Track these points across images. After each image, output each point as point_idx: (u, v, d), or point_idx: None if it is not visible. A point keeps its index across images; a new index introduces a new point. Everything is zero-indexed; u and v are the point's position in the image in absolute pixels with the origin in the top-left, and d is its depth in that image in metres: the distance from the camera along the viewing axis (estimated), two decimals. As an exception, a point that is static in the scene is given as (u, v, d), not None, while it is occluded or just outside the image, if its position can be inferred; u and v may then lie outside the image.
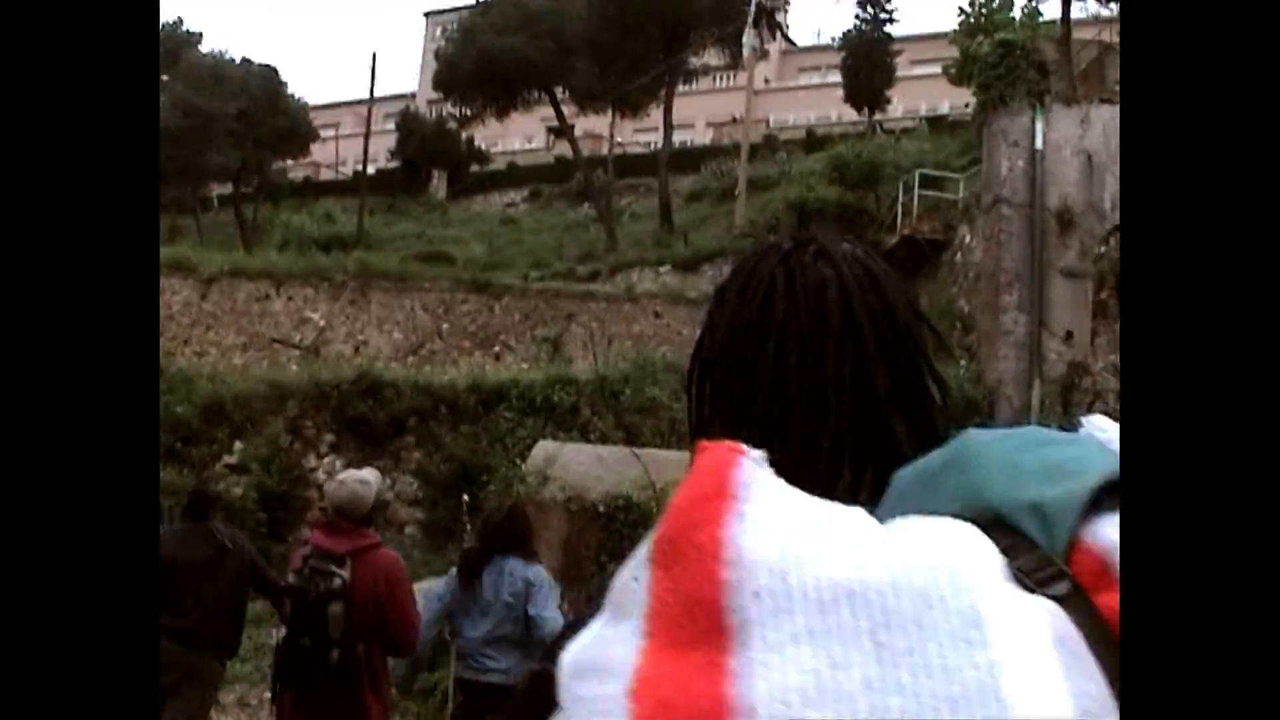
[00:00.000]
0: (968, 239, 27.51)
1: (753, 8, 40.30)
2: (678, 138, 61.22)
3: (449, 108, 55.64)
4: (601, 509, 13.50)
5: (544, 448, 15.37)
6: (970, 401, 17.45)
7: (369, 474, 6.63)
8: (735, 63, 48.34)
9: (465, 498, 15.09)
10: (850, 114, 64.17)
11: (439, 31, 74.34)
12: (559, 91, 49.40)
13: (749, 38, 39.41)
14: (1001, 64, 37.90)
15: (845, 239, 1.36)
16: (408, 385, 19.61)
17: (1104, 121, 17.80)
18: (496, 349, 31.11)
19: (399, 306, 31.35)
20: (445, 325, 31.32)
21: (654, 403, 18.24)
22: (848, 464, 1.19)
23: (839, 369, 1.21)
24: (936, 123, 54.01)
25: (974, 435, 1.01)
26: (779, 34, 40.00)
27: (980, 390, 17.58)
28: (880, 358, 1.23)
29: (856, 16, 59.02)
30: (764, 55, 43.39)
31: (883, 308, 1.27)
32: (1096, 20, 46.06)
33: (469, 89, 47.68)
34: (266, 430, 19.04)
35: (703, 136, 66.23)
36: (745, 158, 39.89)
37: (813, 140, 60.38)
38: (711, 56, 50.45)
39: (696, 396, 1.32)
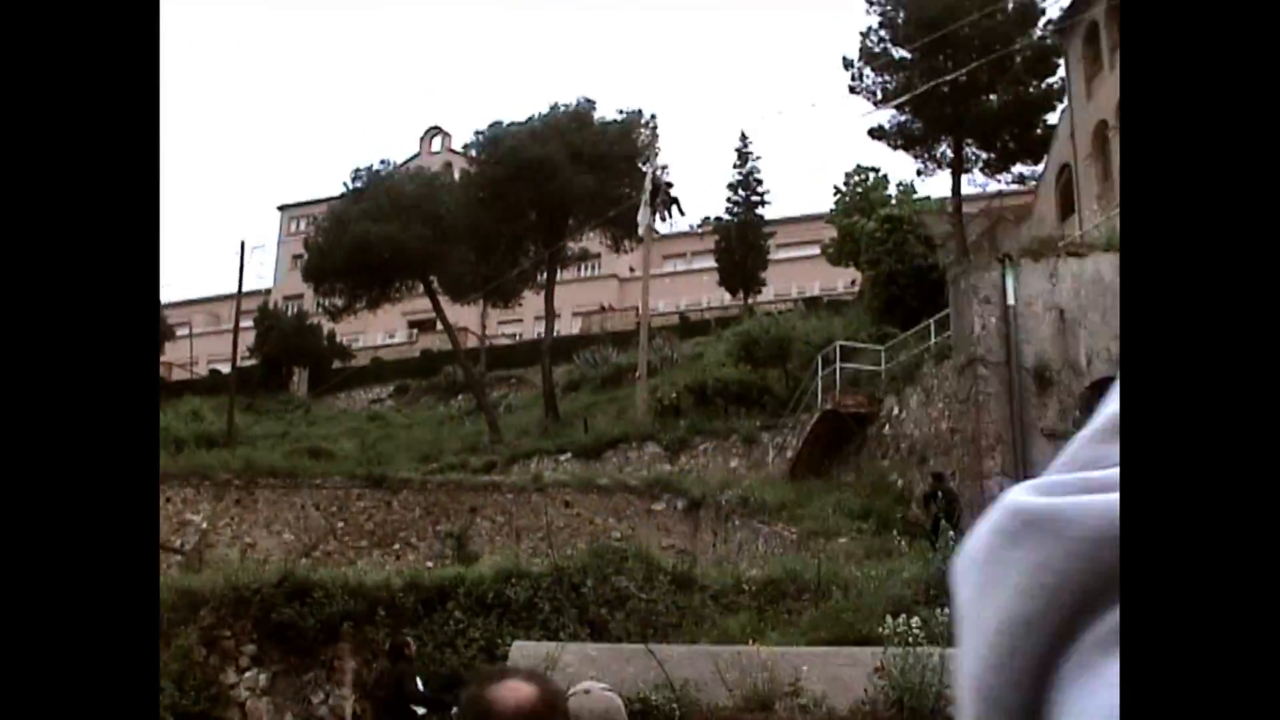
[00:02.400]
0: (896, 410, 27.25)
1: (649, 182, 40.42)
2: (539, 328, 61.05)
3: (317, 300, 54.45)
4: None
5: (524, 649, 13.95)
6: (960, 574, 16.61)
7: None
8: (618, 245, 48.31)
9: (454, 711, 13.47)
10: (721, 298, 65.05)
11: (295, 225, 73.70)
12: (433, 280, 48.67)
13: (644, 215, 39.37)
14: (889, 239, 38.80)
15: None
16: (337, 586, 17.93)
17: (1072, 275, 17.67)
18: (397, 546, 29.47)
19: (288, 505, 29.58)
20: (340, 524, 29.60)
21: (621, 594, 17.01)
22: None
23: None
24: (812, 303, 54.84)
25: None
26: (670, 212, 40.10)
27: (969, 562, 16.78)
28: None
29: (729, 200, 60.16)
30: (651, 237, 43.38)
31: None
32: (985, 194, 47.85)
33: (340, 279, 46.60)
34: (176, 643, 17.08)
35: (570, 326, 66.14)
36: (645, 342, 39.37)
37: (687, 325, 60.79)
38: (591, 241, 50.54)
39: None
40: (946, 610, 14.89)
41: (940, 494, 20.56)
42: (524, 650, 13.88)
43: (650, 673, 12.86)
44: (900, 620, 12.89)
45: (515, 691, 2.25)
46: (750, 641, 15.07)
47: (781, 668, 13.05)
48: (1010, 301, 17.52)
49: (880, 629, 13.61)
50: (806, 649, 14.54)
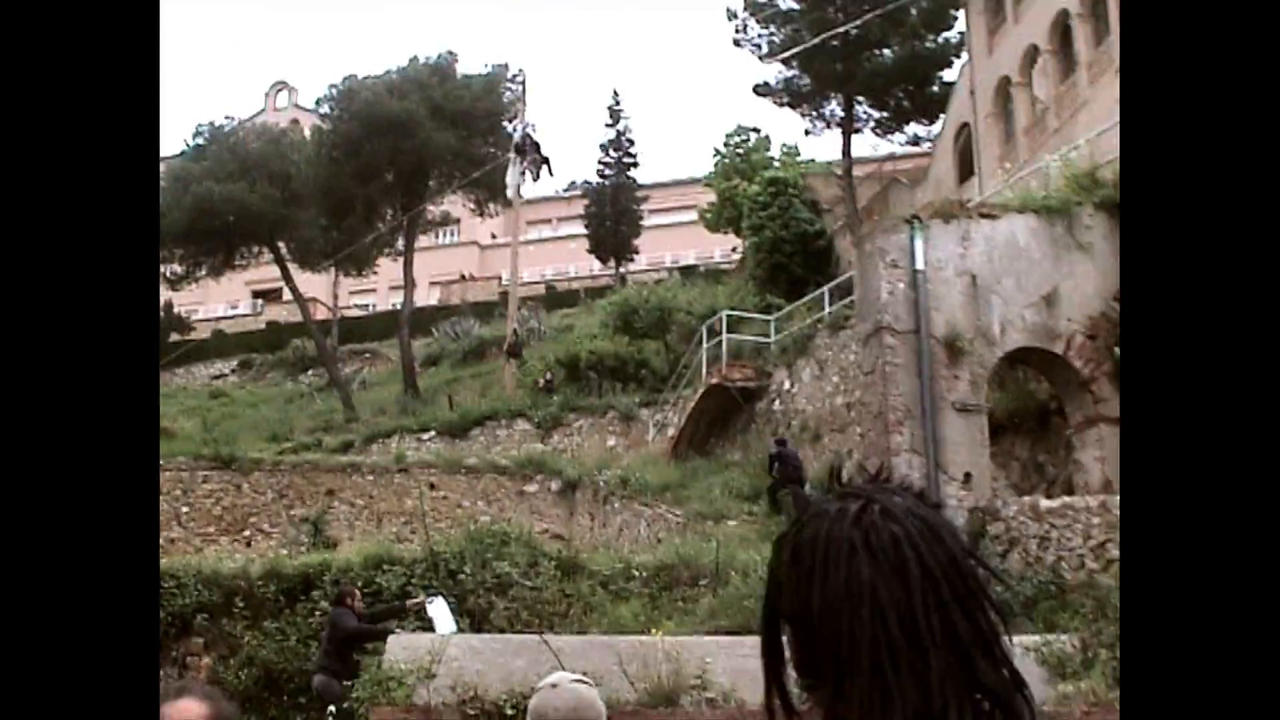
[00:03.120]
0: (786, 384, 27.12)
1: (517, 137, 39.63)
2: (395, 298, 60.02)
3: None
4: (510, 711, 11.63)
5: (401, 643, 13.30)
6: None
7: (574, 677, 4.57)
8: (481, 209, 47.46)
9: (331, 711, 12.84)
10: (590, 266, 64.60)
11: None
12: (280, 246, 47.28)
13: (513, 175, 38.60)
14: (773, 204, 38.71)
15: (893, 489, 1.54)
16: (190, 575, 17.07)
17: (984, 237, 17.54)
18: (248, 533, 28.48)
19: (123, 491, 28.26)
20: (184, 509, 28.45)
21: (503, 580, 16.47)
22: (952, 701, 1.41)
23: (928, 618, 1.42)
24: (688, 272, 54.74)
25: None
26: (540, 172, 39.33)
27: (876, 543, 16.63)
28: (956, 603, 1.45)
29: (600, 162, 59.65)
30: (519, 200, 42.62)
31: (947, 556, 1.47)
32: (876, 157, 48.13)
33: (180, 244, 44.91)
34: (2, 646, 16.09)
35: (428, 296, 65.00)
36: (514, 311, 38.67)
37: (553, 296, 60.29)
38: (452, 204, 49.62)
39: (772, 651, 1.54)
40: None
41: (778, 461, 21.04)
42: (402, 643, 13.23)
43: (544, 665, 12.34)
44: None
45: (185, 713, 2.29)
46: (648, 631, 14.69)
47: (684, 659, 12.66)
48: (919, 266, 17.26)
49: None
50: (709, 638, 14.18)
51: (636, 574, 17.29)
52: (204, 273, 47.98)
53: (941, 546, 1.48)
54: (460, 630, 14.52)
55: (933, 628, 1.43)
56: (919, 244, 17.41)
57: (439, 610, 14.37)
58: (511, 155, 39.50)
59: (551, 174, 40.90)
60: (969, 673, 1.44)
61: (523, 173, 39.44)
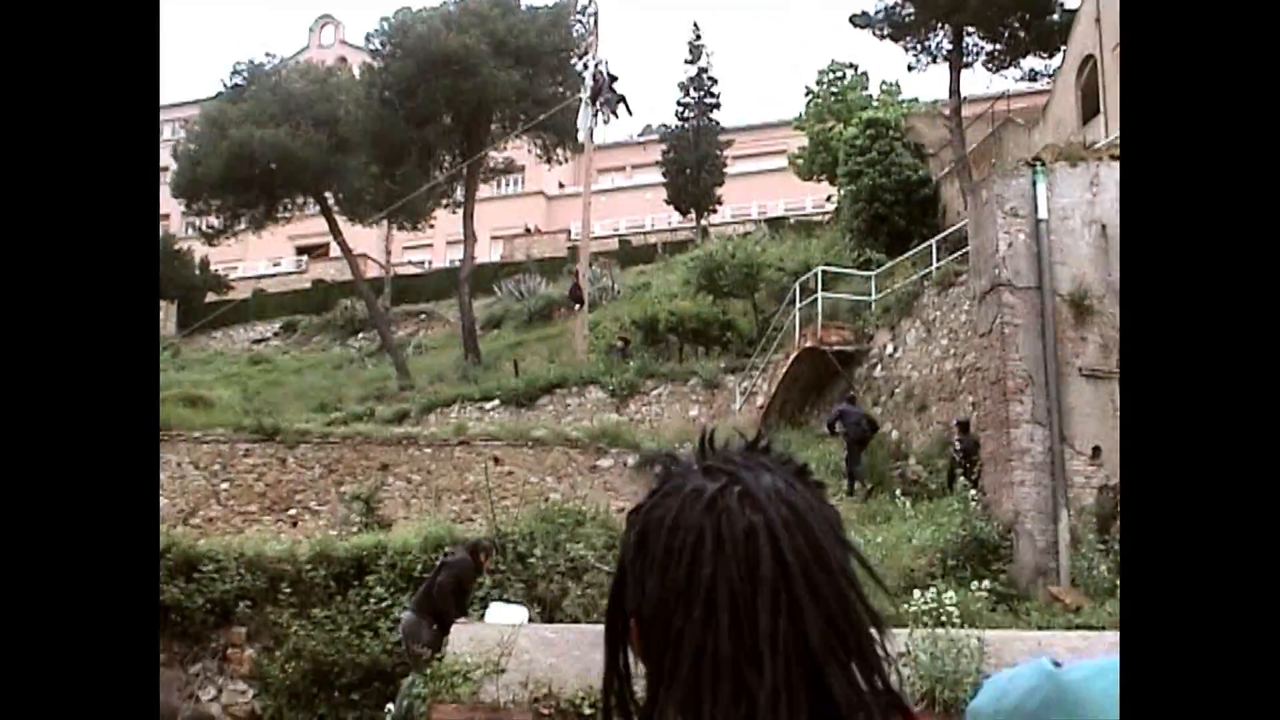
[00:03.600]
0: (889, 348, 26.83)
1: (589, 78, 39.46)
2: (453, 254, 60.21)
3: (187, 220, 53.19)
4: (588, 710, 11.63)
5: (467, 632, 13.32)
6: (983, 542, 16.23)
7: None
8: (549, 155, 47.38)
9: (389, 710, 12.93)
10: (668, 218, 64.45)
11: (163, 132, 71.81)
12: (327, 197, 47.54)
13: (585, 117, 38.45)
14: (872, 147, 38.29)
15: (767, 465, 1.50)
16: (231, 559, 17.24)
17: (1116, 182, 17.12)
18: (293, 511, 28.67)
19: (162, 463, 28.61)
20: (224, 485, 28.72)
21: (577, 564, 16.44)
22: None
23: (773, 623, 1.36)
24: (776, 224, 54.45)
25: (1066, 674, 1.45)
26: (616, 112, 39.09)
27: (994, 527, 16.34)
28: (814, 605, 1.38)
29: (679, 103, 59.34)
30: (580, 148, 42.44)
31: (813, 551, 1.41)
32: (988, 95, 47.37)
33: (217, 194, 45.35)
34: (32, 632, 16.33)
35: (489, 252, 65.17)
36: (585, 268, 38.61)
37: (627, 251, 60.22)
38: (517, 150, 49.62)
39: (613, 645, 1.52)
40: (981, 583, 14.45)
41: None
42: (467, 634, 13.22)
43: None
44: (928, 595, 12.39)
45: None
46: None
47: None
48: (1042, 215, 16.91)
49: (900, 606, 13.13)
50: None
51: (724, 556, 17.21)
52: (243, 226, 48.34)
53: (808, 538, 1.42)
54: (531, 619, 14.52)
55: (776, 634, 1.36)
56: (1041, 190, 17.07)
57: (499, 616, 14.31)
58: (583, 95, 39.30)
59: (630, 113, 40.68)
60: (819, 689, 1.37)
61: (595, 114, 39.29)
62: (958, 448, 20.53)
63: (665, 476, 1.53)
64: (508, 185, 66.19)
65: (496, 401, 34.67)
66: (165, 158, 51.73)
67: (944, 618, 11.96)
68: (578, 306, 38.53)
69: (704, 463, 1.53)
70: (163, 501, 28.08)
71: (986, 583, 14.51)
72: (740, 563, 1.38)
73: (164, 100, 74.00)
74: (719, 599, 1.36)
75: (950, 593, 12.51)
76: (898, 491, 21.22)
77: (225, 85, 48.43)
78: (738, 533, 1.39)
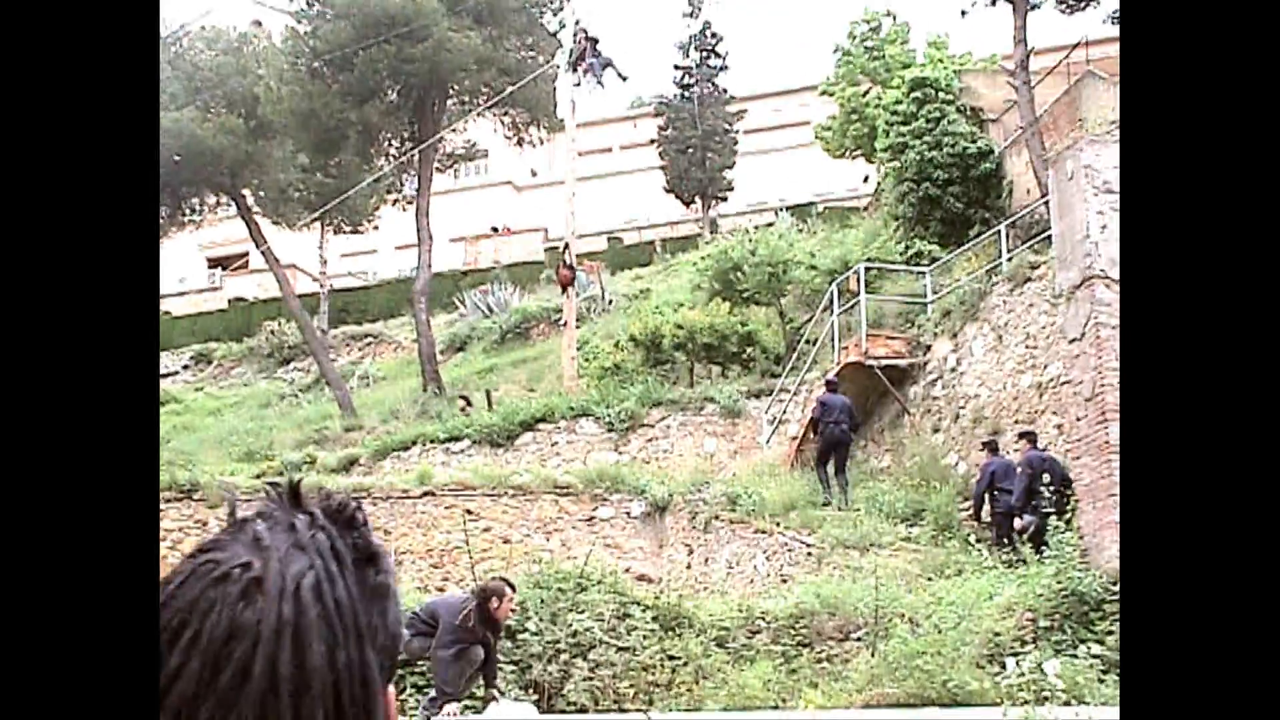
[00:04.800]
0: (950, 360, 26.85)
1: (568, 39, 39.51)
2: (403, 262, 60.22)
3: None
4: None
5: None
6: (1083, 597, 16.20)
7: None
8: (519, 136, 47.42)
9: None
10: (668, 210, 64.50)
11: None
12: (246, 195, 47.58)
13: (564, 86, 38.54)
14: (919, 113, 38.31)
15: (316, 542, 1.50)
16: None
17: (1231, 149, 17.20)
18: (221, 587, 28.65)
19: (52, 532, 28.63)
20: (132, 557, 28.67)
21: (582, 640, 16.46)
22: None
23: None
24: (801, 213, 54.47)
25: None
26: (603, 80, 38.96)
27: (1095, 579, 16.32)
28: None
29: (679, 68, 59.46)
30: (559, 125, 42.42)
31: (304, 670, 1.41)
32: (1059, 46, 47.44)
33: (110, 196, 45.33)
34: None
35: (448, 258, 65.19)
36: (569, 276, 38.54)
37: (620, 251, 60.34)
38: (479, 130, 49.64)
39: None
40: (1087, 648, 14.45)
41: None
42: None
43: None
44: (1023, 666, 12.40)
45: None
46: (785, 704, 14.59)
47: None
48: (1143, 191, 16.98)
49: (982, 680, 13.15)
50: (871, 714, 14.09)
51: (763, 626, 17.22)
52: (146, 234, 48.34)
53: (304, 648, 1.42)
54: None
55: None
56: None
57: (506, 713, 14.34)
58: (559, 60, 39.35)
59: (622, 78, 40.35)
60: None
61: (577, 84, 39.31)
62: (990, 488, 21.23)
63: (216, 537, 1.54)
64: (470, 174, 66.28)
65: (466, 442, 34.65)
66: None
67: (1045, 692, 11.96)
68: (567, 295, 38.50)
69: (238, 526, 1.53)
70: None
71: (1094, 647, 14.50)
72: (206, 667, 1.39)
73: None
74: (168, 704, 1.38)
75: (1053, 661, 12.50)
76: (970, 537, 21.23)
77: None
78: (218, 632, 1.40)
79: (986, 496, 22.11)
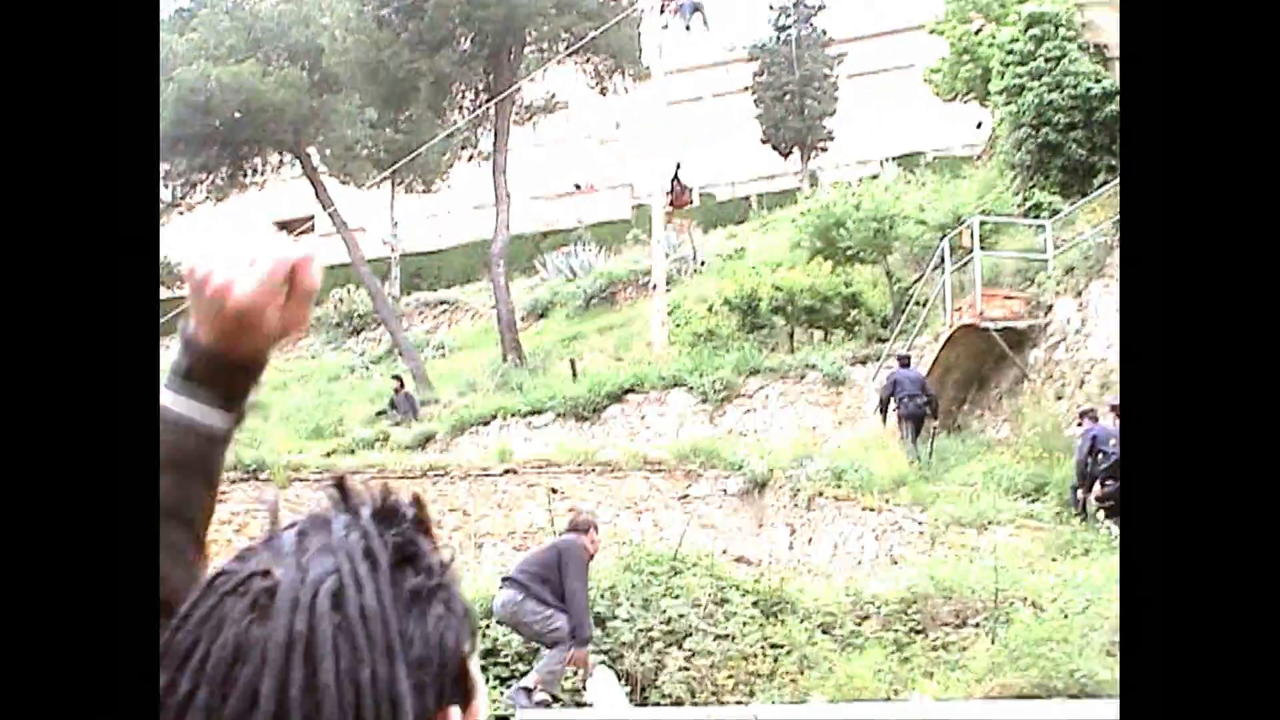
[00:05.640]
0: (1076, 321, 26.61)
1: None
2: (480, 224, 60.30)
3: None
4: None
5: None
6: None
7: None
8: (602, 84, 47.38)
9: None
10: (763, 163, 64.25)
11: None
12: (311, 154, 47.80)
13: (652, 28, 38.46)
14: (1038, 52, 37.91)
15: (347, 543, 1.46)
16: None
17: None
18: (288, 572, 28.92)
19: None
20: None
21: (677, 628, 16.42)
22: None
23: None
24: (909, 163, 54.10)
25: None
26: (693, 24, 38.91)
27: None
28: None
29: (774, 8, 59.21)
30: (645, 73, 42.36)
31: (316, 691, 1.37)
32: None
33: (165, 156, 45.65)
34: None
35: (527, 218, 65.23)
36: (660, 233, 38.50)
37: (713, 208, 60.22)
38: (559, 79, 49.58)
39: None
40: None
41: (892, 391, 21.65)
42: (533, 726, 13.27)
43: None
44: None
45: None
46: (897, 694, 14.52)
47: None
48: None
49: (1112, 669, 13.02)
50: (992, 703, 13.99)
51: (872, 611, 17.15)
52: (200, 197, 48.74)
53: (315, 669, 1.38)
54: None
55: None
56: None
57: (603, 685, 14.42)
58: (646, 2, 39.24)
59: (706, 25, 40.27)
60: None
61: (665, 27, 39.24)
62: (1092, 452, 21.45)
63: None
64: (551, 128, 66.17)
65: (550, 415, 34.75)
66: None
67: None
68: (653, 285, 38.44)
69: (278, 533, 1.51)
70: (116, 565, 28.45)
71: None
72: (214, 694, 1.36)
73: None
74: None
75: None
76: (1099, 514, 21.10)
77: (168, 10, 48.81)
78: (225, 653, 1.38)
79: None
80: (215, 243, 1.99)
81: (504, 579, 15.13)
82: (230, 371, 2.05)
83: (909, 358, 26.99)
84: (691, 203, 38.78)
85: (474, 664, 1.50)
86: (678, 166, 38.90)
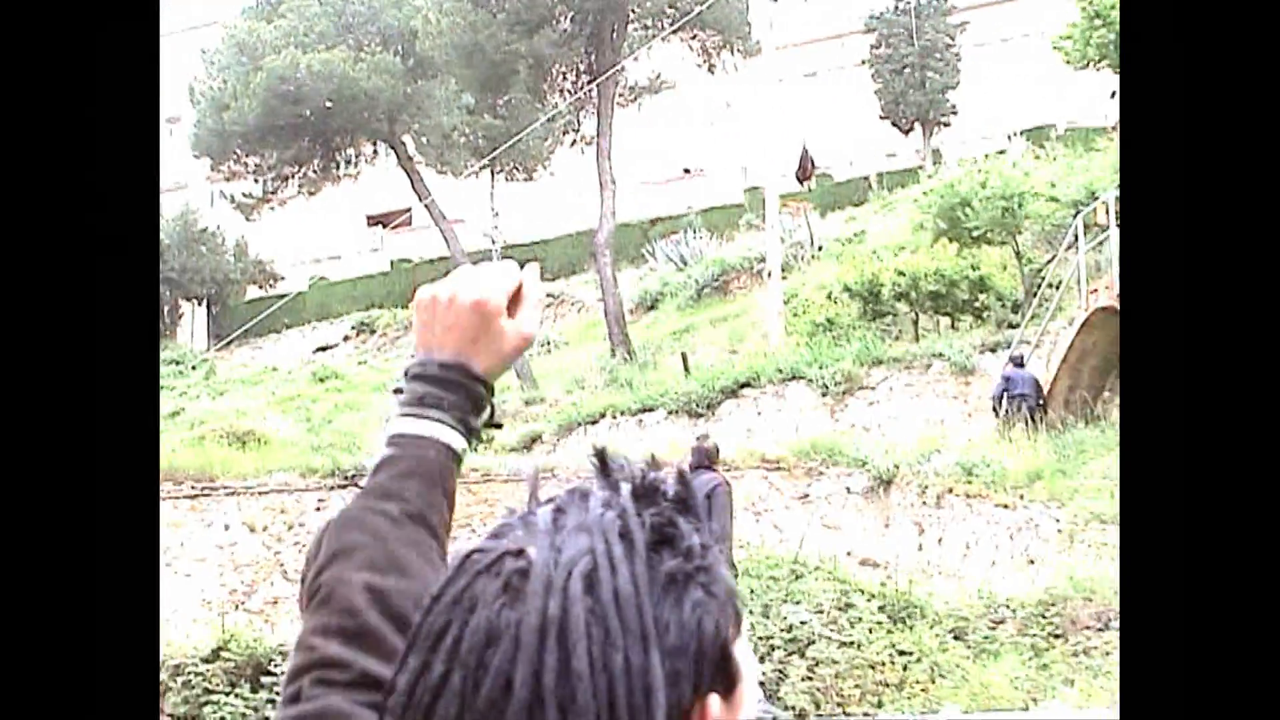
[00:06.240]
0: (1221, 302, 26.31)
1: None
2: (583, 212, 60.40)
3: (214, 188, 54.02)
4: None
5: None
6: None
7: None
8: (710, 62, 47.34)
9: None
10: (882, 141, 63.99)
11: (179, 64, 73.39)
12: (406, 143, 48.04)
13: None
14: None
15: (603, 519, 1.48)
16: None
17: None
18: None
19: (200, 526, 29.32)
20: (290, 552, 29.19)
21: (798, 635, 16.43)
22: None
23: None
24: (1038, 137, 53.68)
25: None
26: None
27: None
28: None
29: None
30: (755, 49, 42.34)
31: (570, 678, 1.39)
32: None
33: (253, 148, 46.04)
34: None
35: (633, 205, 65.29)
36: (775, 217, 38.43)
37: (830, 190, 60.06)
38: (664, 58, 49.60)
39: None
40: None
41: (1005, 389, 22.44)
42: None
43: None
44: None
45: None
46: (1036, 704, 14.43)
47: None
48: None
49: None
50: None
51: (1007, 615, 17.07)
52: (292, 191, 49.06)
53: (572, 653, 1.40)
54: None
55: None
56: None
57: None
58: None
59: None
60: None
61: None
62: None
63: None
64: (656, 109, 66.24)
65: (662, 412, 34.75)
66: (179, 103, 52.81)
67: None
68: (768, 273, 38.42)
69: (529, 508, 1.54)
70: (209, 578, 28.68)
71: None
72: (468, 679, 1.39)
73: (174, 24, 75.77)
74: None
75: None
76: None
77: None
78: (478, 637, 1.40)
79: None
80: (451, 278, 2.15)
81: None
82: (469, 389, 2.15)
83: (1023, 358, 28.04)
84: (811, 174, 38.62)
85: (740, 650, 1.50)
86: (804, 141, 38.91)
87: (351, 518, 2.09)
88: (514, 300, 2.16)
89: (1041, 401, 27.09)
